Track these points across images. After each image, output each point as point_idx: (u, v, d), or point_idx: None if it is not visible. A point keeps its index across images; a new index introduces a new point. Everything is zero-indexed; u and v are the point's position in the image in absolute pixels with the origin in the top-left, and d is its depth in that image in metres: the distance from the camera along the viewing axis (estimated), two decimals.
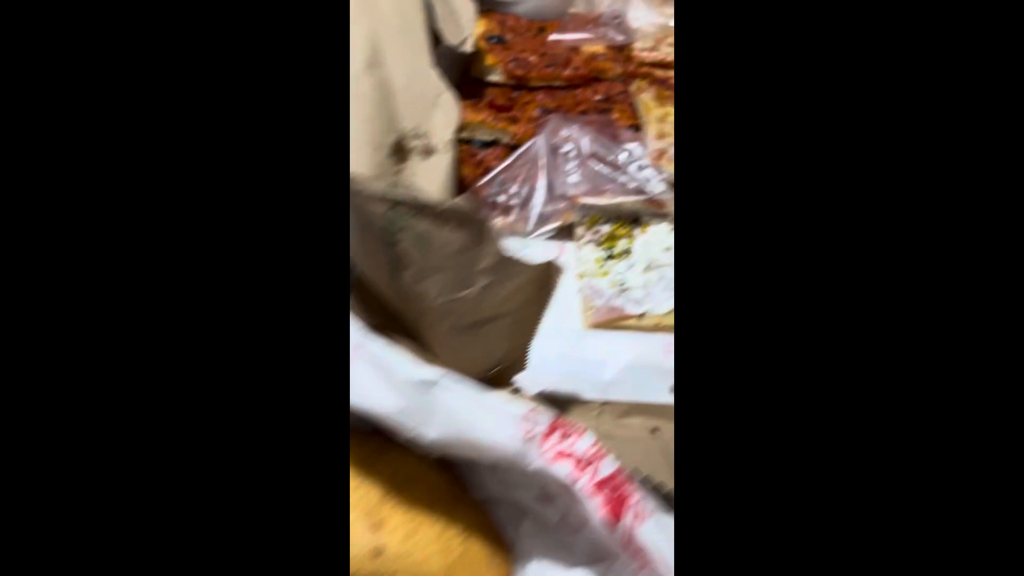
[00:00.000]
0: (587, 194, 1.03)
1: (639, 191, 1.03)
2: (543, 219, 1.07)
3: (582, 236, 1.05)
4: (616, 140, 1.13)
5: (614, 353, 0.91)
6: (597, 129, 1.13)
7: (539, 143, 1.08)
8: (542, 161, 1.08)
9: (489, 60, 1.30)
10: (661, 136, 1.17)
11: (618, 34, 1.36)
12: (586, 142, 1.07)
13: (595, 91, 1.37)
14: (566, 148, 1.09)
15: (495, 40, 1.42)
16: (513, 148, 1.18)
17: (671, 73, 1.36)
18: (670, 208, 1.01)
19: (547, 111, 1.24)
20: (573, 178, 1.06)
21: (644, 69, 1.42)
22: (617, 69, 1.40)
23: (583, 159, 1.07)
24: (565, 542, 0.50)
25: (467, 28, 1.39)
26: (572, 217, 1.06)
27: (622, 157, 1.04)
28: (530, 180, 1.09)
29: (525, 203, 1.09)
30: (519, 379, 0.75)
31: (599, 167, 1.06)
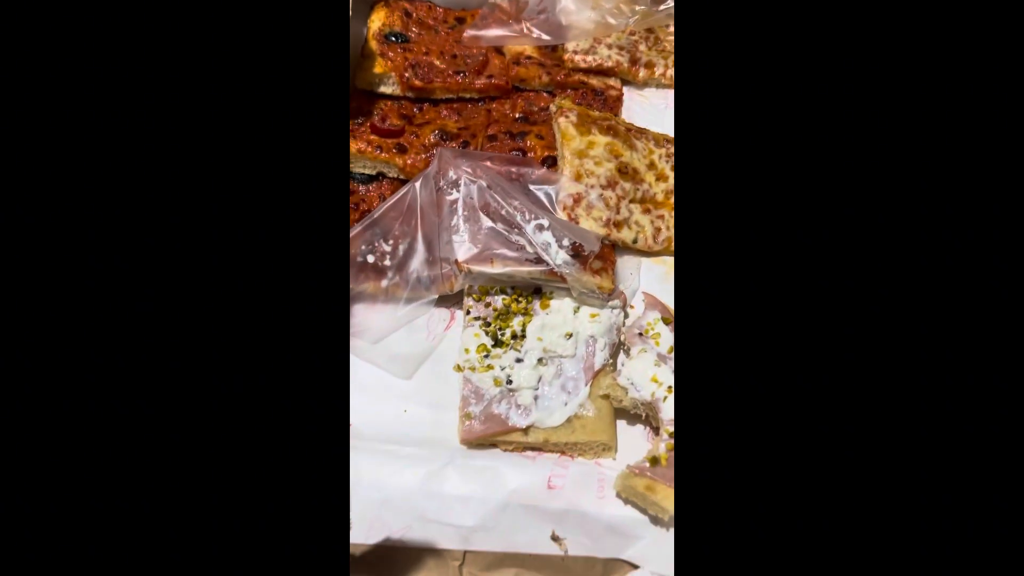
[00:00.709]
0: (475, 259, 0.84)
1: (537, 259, 0.83)
2: (422, 284, 0.89)
3: (469, 311, 0.83)
4: (521, 179, 0.87)
5: (485, 486, 0.70)
6: (501, 165, 0.88)
7: (417, 189, 0.84)
8: (420, 212, 0.88)
9: (379, 67, 1.08)
10: (578, 177, 0.95)
11: (545, 32, 1.07)
12: (475, 189, 0.83)
13: (514, 106, 1.12)
14: (453, 195, 0.89)
15: (395, 38, 1.12)
16: (404, 183, 0.93)
17: (611, 82, 1.09)
18: (580, 279, 0.77)
19: (446, 136, 1.02)
20: (459, 237, 0.85)
21: (577, 77, 1.12)
22: (543, 77, 1.13)
23: (472, 211, 0.83)
24: None
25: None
26: (457, 285, 0.86)
27: (519, 215, 0.79)
28: (407, 236, 0.89)
29: (402, 264, 0.89)
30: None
31: (492, 224, 0.82)
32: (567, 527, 0.70)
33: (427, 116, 1.06)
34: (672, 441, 0.71)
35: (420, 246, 0.86)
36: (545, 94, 1.10)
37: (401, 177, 0.97)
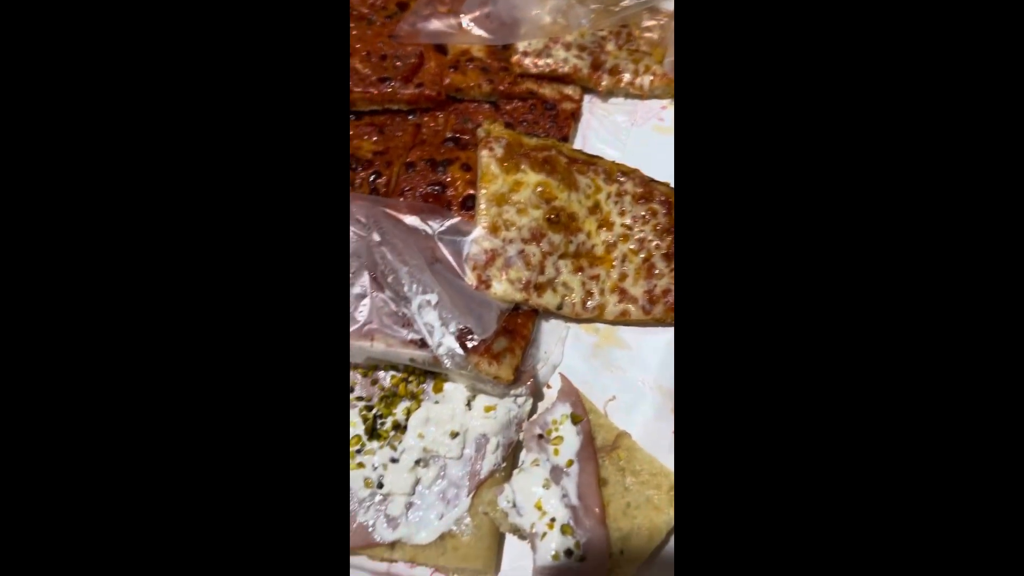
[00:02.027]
0: (353, 333, 0.69)
1: (423, 342, 0.70)
2: None
3: (352, 388, 0.70)
4: (430, 229, 0.71)
5: None
6: (406, 212, 0.72)
7: None
8: None
9: None
10: (495, 229, 0.77)
11: (486, 30, 0.87)
12: (363, 247, 0.68)
13: (447, 121, 0.93)
14: None
15: None
16: None
17: (567, 91, 0.90)
18: (464, 372, 0.65)
19: (357, 164, 0.82)
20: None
21: (525, 86, 0.92)
22: (484, 85, 0.93)
23: (358, 272, 0.68)
24: None
25: None
26: None
27: (407, 284, 0.65)
28: None
29: None
30: None
31: (378, 292, 0.68)
32: None
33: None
34: None
35: None
36: (487, 106, 0.95)
37: None
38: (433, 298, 0.67)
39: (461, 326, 0.65)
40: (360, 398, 0.72)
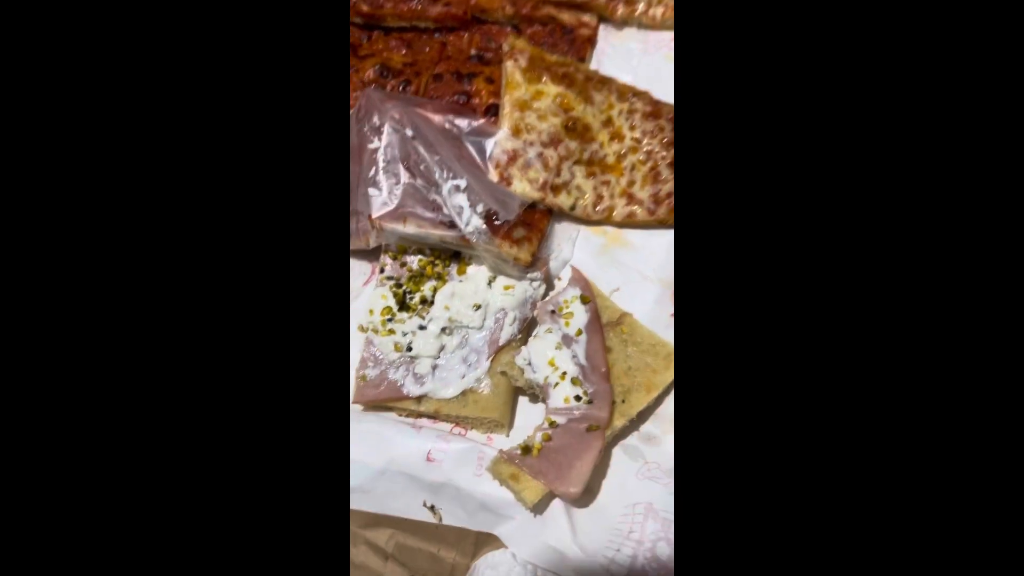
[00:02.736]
0: (388, 216, 0.78)
1: (452, 223, 0.77)
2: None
3: (383, 268, 0.78)
4: (457, 129, 0.78)
5: (368, 451, 0.69)
6: (435, 112, 0.79)
7: None
8: None
9: None
10: (517, 132, 0.84)
11: None
12: (397, 139, 0.75)
13: (471, 40, 1.00)
14: (375, 143, 0.82)
15: None
16: None
17: (585, 19, 0.96)
18: (490, 249, 0.72)
19: (387, 72, 0.91)
20: (375, 190, 0.79)
21: (546, 11, 0.99)
22: (507, 8, 0.99)
23: (392, 162, 0.75)
24: None
25: None
26: (372, 240, 0.80)
27: (438, 171, 0.72)
28: None
29: None
30: None
31: (411, 179, 0.75)
32: (442, 499, 0.69)
33: (374, 47, 0.96)
34: (550, 432, 0.68)
35: None
36: (509, 28, 1.01)
37: None
38: (462, 183, 0.73)
39: (488, 208, 0.72)
40: (390, 278, 0.79)
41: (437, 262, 0.79)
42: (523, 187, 0.82)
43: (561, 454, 0.66)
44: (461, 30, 0.99)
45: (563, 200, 0.84)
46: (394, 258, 0.80)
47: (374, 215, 0.76)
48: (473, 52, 0.96)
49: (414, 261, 0.79)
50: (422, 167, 0.76)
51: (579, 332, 0.73)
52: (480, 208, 0.73)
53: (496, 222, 0.73)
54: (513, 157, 0.82)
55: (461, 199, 0.73)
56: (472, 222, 0.72)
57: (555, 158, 0.84)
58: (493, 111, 0.88)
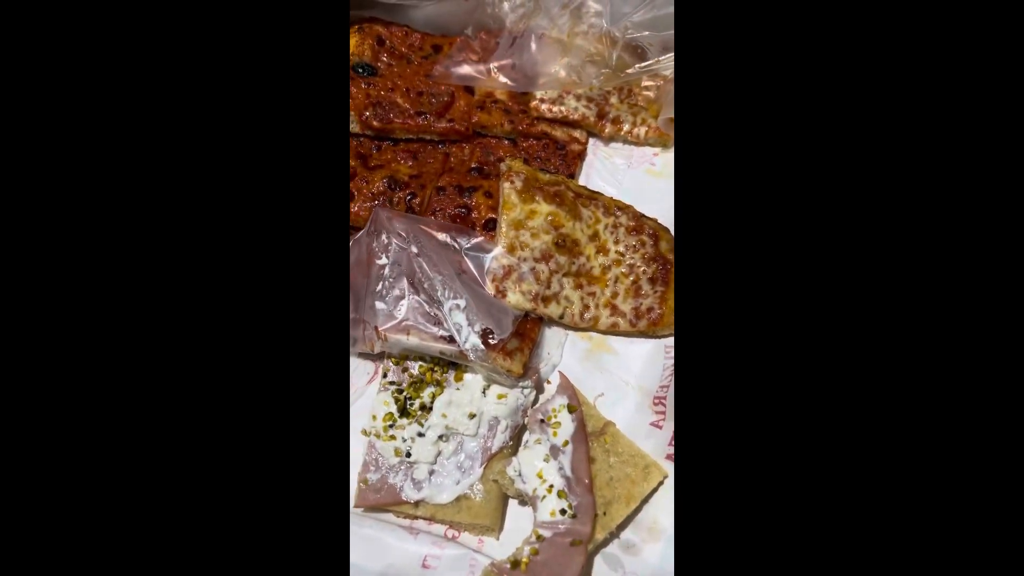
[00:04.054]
0: (393, 328, 0.83)
1: (451, 339, 0.83)
2: (350, 339, 0.90)
3: (386, 373, 0.84)
4: (458, 245, 0.85)
5: (365, 555, 0.73)
6: (439, 229, 0.87)
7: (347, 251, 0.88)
8: (348, 272, 0.88)
9: None
10: (512, 249, 0.92)
11: (511, 79, 1.01)
12: (404, 257, 0.82)
13: (472, 152, 1.08)
14: (383, 260, 0.89)
15: (362, 70, 1.06)
16: (349, 228, 0.93)
17: (576, 135, 1.05)
18: (485, 365, 0.78)
19: (395, 184, 0.98)
20: (382, 303, 0.85)
21: (540, 127, 1.06)
22: (505, 125, 1.07)
23: (398, 278, 0.82)
24: None
25: None
26: (377, 348, 0.87)
27: (440, 290, 0.78)
28: None
29: None
30: None
31: (415, 295, 0.81)
32: None
33: (384, 156, 1.04)
34: (537, 546, 0.72)
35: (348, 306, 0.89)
36: (506, 142, 1.09)
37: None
38: (462, 302, 0.80)
39: (484, 327, 0.79)
40: (392, 383, 0.85)
41: (436, 369, 0.85)
42: (517, 298, 0.89)
43: (547, 568, 0.71)
44: (463, 142, 1.08)
45: (553, 310, 0.91)
46: (396, 363, 0.86)
47: (380, 327, 0.83)
48: (474, 165, 1.04)
49: (415, 367, 0.85)
50: (425, 284, 0.83)
51: (566, 443, 0.79)
52: (477, 327, 0.79)
53: (492, 340, 0.79)
54: (508, 272, 0.89)
55: (460, 317, 0.79)
56: (470, 339, 0.78)
57: (546, 272, 0.91)
58: (491, 224, 0.96)
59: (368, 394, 0.89)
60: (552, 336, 0.93)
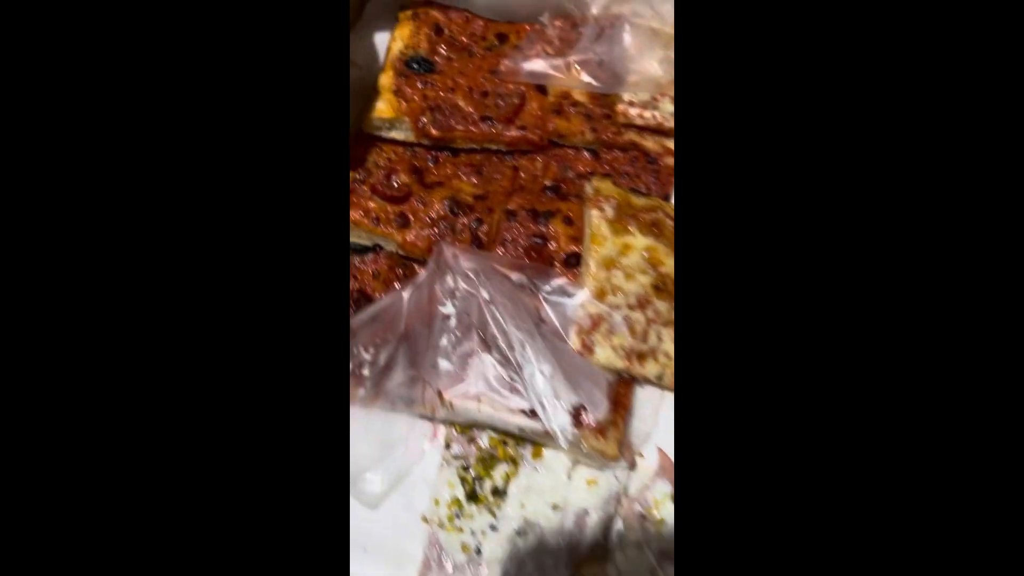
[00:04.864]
0: (460, 394, 0.68)
1: (532, 412, 0.67)
2: (402, 401, 0.74)
3: (449, 444, 0.69)
4: (535, 287, 0.70)
5: None
6: (512, 269, 0.71)
7: (405, 301, 0.69)
8: (406, 323, 0.72)
9: (390, 109, 0.84)
10: (602, 294, 0.75)
11: (595, 79, 0.83)
12: (475, 305, 0.67)
13: (546, 167, 0.89)
14: (447, 308, 0.74)
15: (418, 66, 0.89)
16: (404, 260, 0.79)
17: (670, 145, 0.86)
18: (573, 441, 0.63)
19: (458, 208, 0.80)
20: (446, 362, 0.71)
21: (628, 137, 0.88)
22: (587, 134, 0.88)
23: (466, 332, 0.67)
24: None
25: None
26: (440, 413, 0.73)
27: (519, 348, 0.64)
28: (389, 345, 0.75)
29: (380, 378, 0.75)
30: None
31: (487, 354, 0.66)
32: None
33: (442, 171, 0.87)
34: None
35: (401, 361, 0.74)
36: (586, 153, 0.92)
37: (400, 252, 0.84)
38: (547, 368, 0.65)
39: (575, 402, 0.64)
40: (457, 456, 0.71)
41: (509, 441, 0.71)
42: (607, 355, 0.73)
43: None
44: (534, 153, 0.92)
45: (650, 369, 0.74)
46: (461, 432, 0.73)
47: (445, 393, 0.69)
48: (548, 182, 0.88)
49: (483, 437, 0.71)
50: (500, 341, 0.68)
51: (672, 548, 0.65)
52: (566, 401, 0.64)
53: (585, 419, 0.65)
54: (597, 322, 0.73)
55: (545, 388, 0.65)
56: (557, 418, 0.63)
57: (642, 322, 0.75)
58: (573, 260, 0.79)
59: (428, 459, 0.76)
60: (645, 398, 0.78)
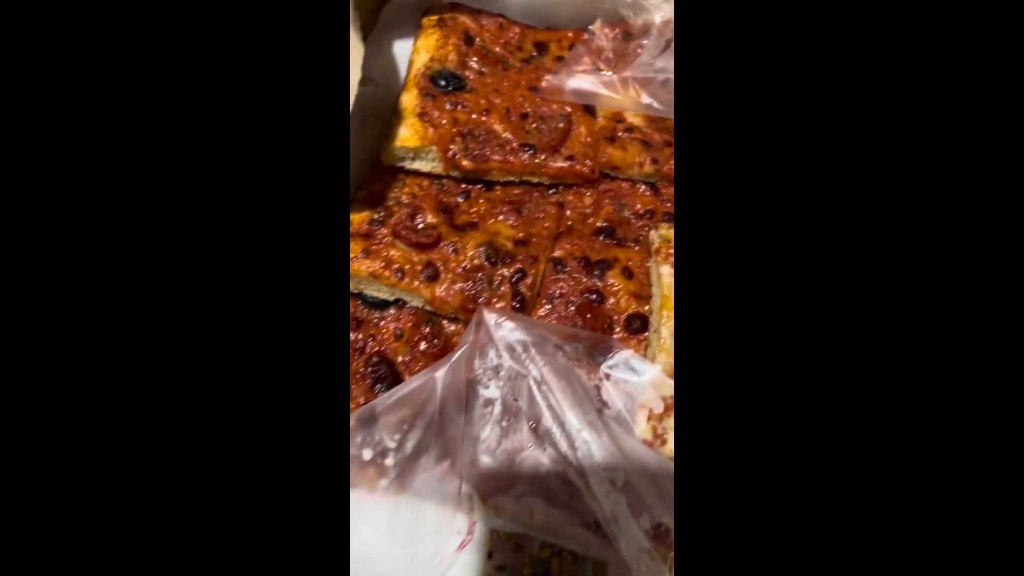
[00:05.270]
0: (506, 499, 0.56)
1: (598, 526, 0.58)
2: (432, 495, 0.62)
3: (491, 554, 0.57)
4: (591, 357, 0.57)
5: None
6: (562, 336, 0.58)
7: (438, 380, 0.55)
8: (440, 405, 0.62)
9: (414, 136, 0.70)
10: (672, 372, 0.68)
11: (659, 101, 0.70)
12: (524, 388, 0.54)
13: (597, 205, 0.74)
14: (489, 389, 0.62)
15: (446, 83, 0.75)
16: (431, 315, 0.66)
17: None
18: (654, 570, 0.49)
19: (495, 257, 0.66)
20: (488, 457, 0.59)
21: None
22: (646, 165, 0.75)
23: (513, 420, 0.54)
24: None
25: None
26: (478, 516, 0.61)
27: (583, 448, 0.51)
28: (419, 429, 0.64)
29: (408, 467, 0.63)
30: None
31: (540, 449, 0.53)
32: None
33: (476, 208, 0.72)
34: None
35: (434, 450, 0.62)
36: (644, 187, 0.79)
37: (428, 308, 0.72)
38: (619, 477, 0.53)
39: (658, 521, 0.53)
40: (501, 568, 0.60)
41: (564, 552, 0.60)
42: None
43: None
44: (582, 186, 0.80)
45: None
46: (506, 539, 0.61)
47: (488, 496, 0.57)
48: (601, 224, 0.76)
49: (534, 546, 0.60)
50: (557, 435, 0.56)
51: None
52: (646, 520, 0.52)
53: (668, 540, 0.54)
54: (671, 407, 0.62)
55: (618, 502, 0.52)
56: (634, 539, 0.52)
57: None
58: (635, 323, 0.67)
59: (458, 566, 0.65)
60: None
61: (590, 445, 0.54)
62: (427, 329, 0.70)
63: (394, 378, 0.67)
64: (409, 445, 0.60)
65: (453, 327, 0.69)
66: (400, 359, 0.69)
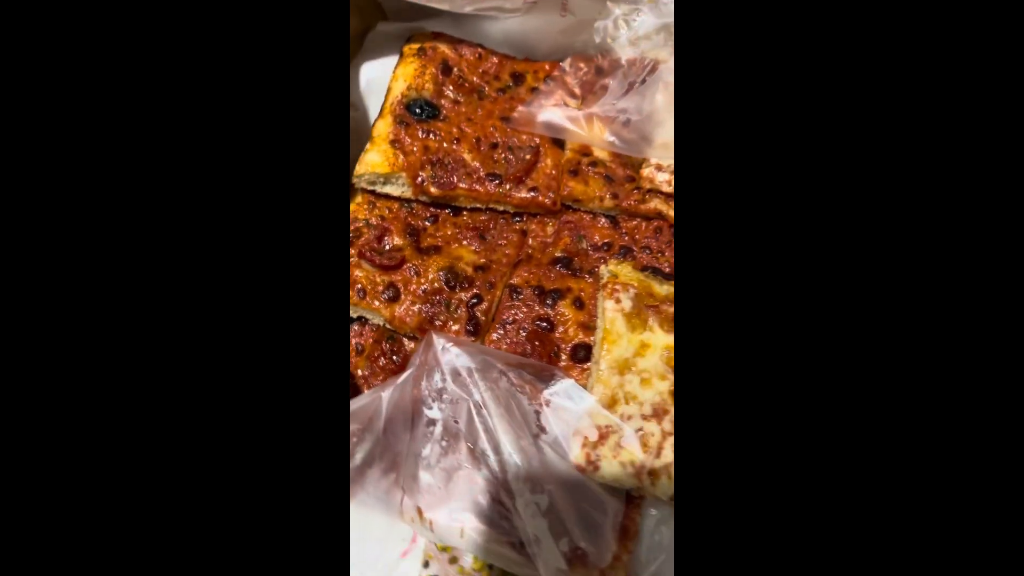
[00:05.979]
0: (441, 517, 0.59)
1: (523, 546, 0.59)
2: (380, 505, 0.65)
3: (427, 562, 0.61)
4: (535, 386, 0.60)
5: None
6: (509, 366, 0.61)
7: (384, 400, 0.58)
8: (384, 422, 0.65)
9: (385, 163, 0.73)
10: (613, 403, 0.63)
11: (621, 139, 0.72)
12: (464, 411, 0.57)
13: (557, 235, 0.77)
14: (433, 411, 0.65)
15: (420, 111, 0.78)
16: (391, 333, 0.70)
17: None
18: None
19: (454, 281, 0.69)
20: (428, 476, 0.61)
21: (653, 204, 0.76)
22: (606, 199, 0.77)
23: (453, 441, 0.58)
24: None
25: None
26: (418, 530, 0.62)
27: (513, 468, 0.54)
28: (367, 443, 0.66)
29: (358, 475, 0.65)
30: None
31: (475, 471, 0.57)
32: None
33: (442, 232, 0.75)
34: None
35: (379, 463, 0.66)
36: (604, 220, 0.80)
37: (388, 326, 0.76)
38: (543, 501, 0.56)
39: (576, 545, 0.55)
40: None
41: (495, 568, 0.63)
42: (615, 472, 0.63)
43: None
44: (545, 216, 0.82)
45: (662, 489, 0.65)
46: (442, 549, 0.65)
47: (424, 510, 0.61)
48: (559, 253, 0.79)
49: (467, 560, 0.64)
50: (491, 458, 0.59)
51: None
52: (565, 543, 0.56)
53: (586, 565, 0.57)
54: (605, 435, 0.64)
55: (540, 525, 0.56)
56: (551, 561, 0.56)
57: (657, 435, 0.65)
58: (581, 353, 0.70)
59: (400, 572, 0.68)
60: (654, 510, 0.70)
61: (520, 468, 0.57)
62: (387, 345, 0.74)
63: (354, 391, 0.71)
64: (358, 457, 0.64)
65: (412, 344, 0.73)
66: (360, 373, 0.73)
